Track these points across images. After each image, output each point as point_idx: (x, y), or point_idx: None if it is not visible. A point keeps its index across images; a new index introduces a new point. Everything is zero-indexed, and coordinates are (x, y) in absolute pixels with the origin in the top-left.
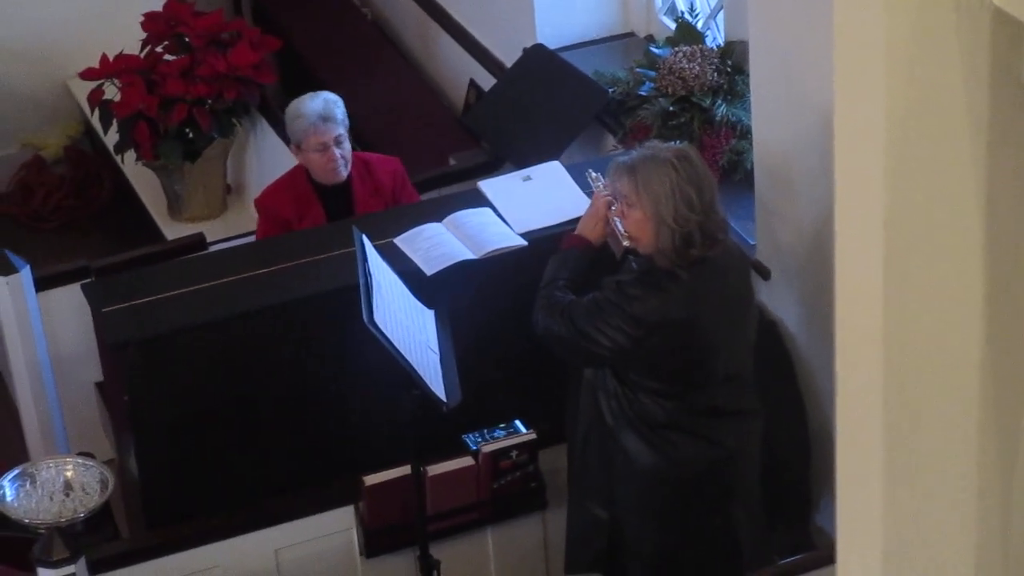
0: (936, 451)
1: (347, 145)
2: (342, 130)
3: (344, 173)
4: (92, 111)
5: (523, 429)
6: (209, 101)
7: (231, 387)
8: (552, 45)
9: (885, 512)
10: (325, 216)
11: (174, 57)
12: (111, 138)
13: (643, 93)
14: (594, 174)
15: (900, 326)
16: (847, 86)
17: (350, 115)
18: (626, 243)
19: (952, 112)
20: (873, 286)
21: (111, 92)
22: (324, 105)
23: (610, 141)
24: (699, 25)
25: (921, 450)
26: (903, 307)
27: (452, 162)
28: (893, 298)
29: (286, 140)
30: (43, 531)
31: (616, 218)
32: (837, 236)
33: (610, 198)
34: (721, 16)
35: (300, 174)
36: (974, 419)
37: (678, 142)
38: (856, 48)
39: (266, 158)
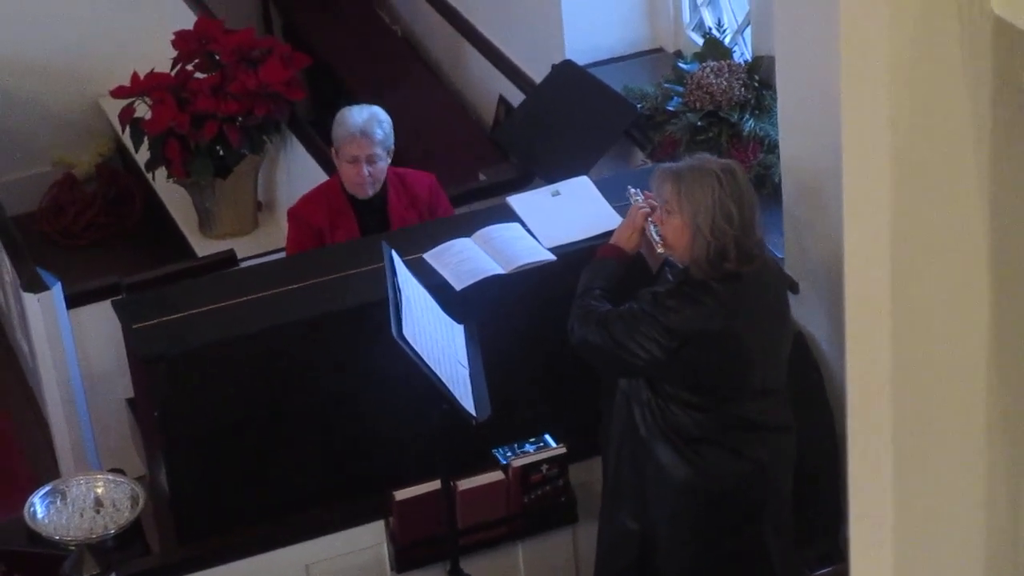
0: (945, 458)
1: (381, 165)
2: (379, 150)
3: (370, 192)
4: (123, 129)
5: (553, 443)
6: (240, 118)
7: (261, 403)
8: (581, 61)
9: (896, 521)
10: (358, 227)
11: (205, 74)
12: (142, 155)
13: (671, 108)
14: (632, 190)
15: (908, 334)
16: (852, 95)
17: None
18: (660, 250)
19: (955, 119)
20: (881, 293)
21: (142, 110)
22: (367, 120)
23: (639, 156)
24: (727, 40)
25: (930, 457)
26: (911, 315)
27: (481, 177)
28: (900, 305)
29: (316, 155)
30: (73, 547)
31: (653, 223)
32: (845, 245)
33: (648, 211)
34: (748, 31)
35: (335, 184)
36: (982, 427)
37: (720, 157)
38: (860, 57)
39: (296, 174)
